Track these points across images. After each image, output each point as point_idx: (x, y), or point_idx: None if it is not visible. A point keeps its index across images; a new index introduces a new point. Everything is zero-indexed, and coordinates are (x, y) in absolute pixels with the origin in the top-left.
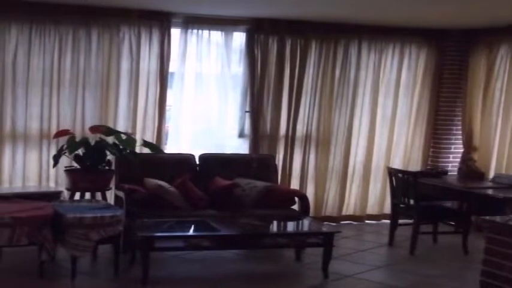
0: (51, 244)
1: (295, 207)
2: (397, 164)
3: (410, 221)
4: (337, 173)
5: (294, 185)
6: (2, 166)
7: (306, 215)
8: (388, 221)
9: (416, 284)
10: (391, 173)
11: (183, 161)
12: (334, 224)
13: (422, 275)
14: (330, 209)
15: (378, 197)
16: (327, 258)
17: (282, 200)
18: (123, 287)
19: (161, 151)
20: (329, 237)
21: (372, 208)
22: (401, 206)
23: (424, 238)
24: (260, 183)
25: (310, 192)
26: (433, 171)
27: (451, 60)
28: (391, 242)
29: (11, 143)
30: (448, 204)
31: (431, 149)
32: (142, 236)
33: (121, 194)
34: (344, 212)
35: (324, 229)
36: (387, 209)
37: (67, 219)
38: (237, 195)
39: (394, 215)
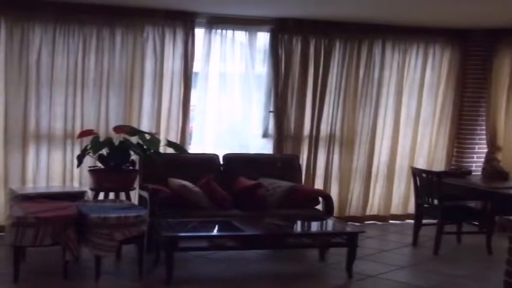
0: (75, 244)
1: (319, 207)
2: (421, 164)
3: (434, 221)
4: (361, 173)
5: (318, 185)
6: (26, 166)
7: (330, 215)
8: (412, 221)
9: (441, 284)
10: (415, 173)
11: (207, 161)
12: (358, 224)
13: (446, 275)
14: (353, 209)
15: (402, 197)
16: (351, 258)
17: (306, 200)
18: (147, 287)
19: (185, 151)
20: (353, 237)
21: (395, 208)
22: (425, 206)
23: (448, 238)
24: (284, 183)
25: (334, 192)
26: (457, 171)
27: (475, 60)
28: (415, 242)
29: (35, 143)
30: (472, 204)
31: (455, 149)
32: (166, 236)
33: (145, 194)
34: (368, 212)
35: (348, 229)
36: (411, 209)
37: (91, 219)
38: (261, 195)
39: (418, 215)
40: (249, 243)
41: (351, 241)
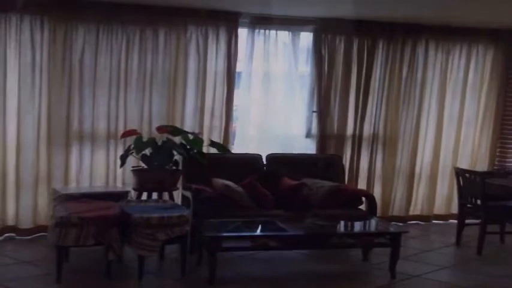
0: (118, 244)
1: (362, 207)
2: (464, 164)
3: (478, 221)
4: (404, 173)
5: (361, 185)
6: (69, 166)
7: (373, 215)
8: (455, 221)
9: (484, 284)
10: (458, 173)
11: (250, 161)
12: (401, 224)
13: (490, 276)
14: (397, 208)
15: (445, 197)
16: (394, 258)
17: (349, 200)
18: (190, 287)
19: (228, 151)
20: (397, 237)
21: (439, 208)
22: (469, 206)
23: (491, 238)
24: (327, 183)
25: (377, 192)
26: (500, 171)
27: None
28: (458, 242)
29: (78, 143)
30: None
31: (498, 149)
32: (209, 236)
33: (188, 194)
34: (411, 212)
35: (392, 229)
36: (454, 209)
37: (134, 219)
38: (305, 195)
39: (462, 215)
40: (292, 243)
41: (394, 241)
